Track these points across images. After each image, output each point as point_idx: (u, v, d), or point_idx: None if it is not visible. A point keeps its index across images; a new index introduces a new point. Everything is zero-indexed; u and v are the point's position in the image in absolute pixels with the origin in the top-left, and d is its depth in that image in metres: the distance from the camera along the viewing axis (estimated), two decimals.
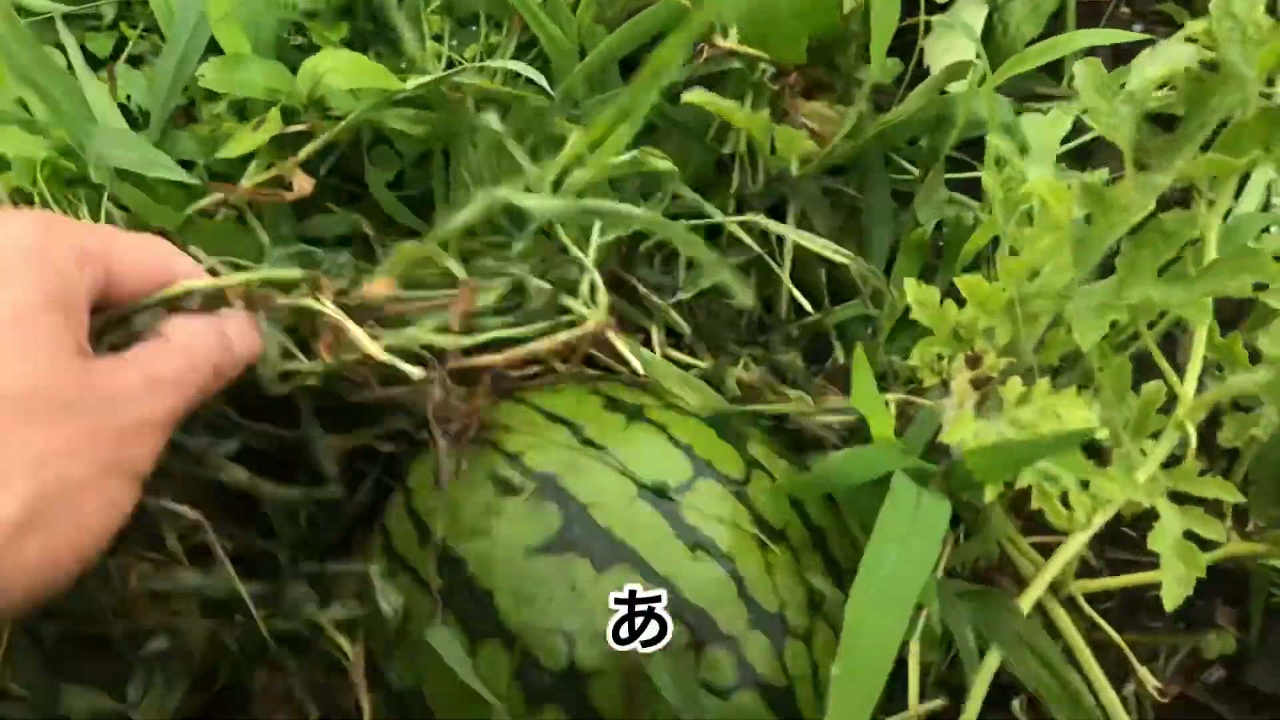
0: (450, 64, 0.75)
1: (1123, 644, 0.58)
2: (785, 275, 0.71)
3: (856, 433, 0.61)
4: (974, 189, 0.73)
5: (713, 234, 0.74)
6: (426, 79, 0.65)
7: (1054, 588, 0.59)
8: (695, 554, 0.49)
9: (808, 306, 0.70)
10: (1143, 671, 0.59)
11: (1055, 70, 0.84)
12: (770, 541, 0.50)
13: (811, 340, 0.72)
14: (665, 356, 0.64)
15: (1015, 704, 0.65)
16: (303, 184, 0.65)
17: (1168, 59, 0.52)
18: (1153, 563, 0.68)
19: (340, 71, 0.64)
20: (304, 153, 0.66)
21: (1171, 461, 0.52)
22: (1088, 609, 0.59)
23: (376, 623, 0.53)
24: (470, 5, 0.79)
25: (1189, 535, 0.50)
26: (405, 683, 0.52)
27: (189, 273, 0.48)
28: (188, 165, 0.73)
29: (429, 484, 0.54)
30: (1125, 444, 0.52)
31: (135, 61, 0.83)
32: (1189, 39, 0.52)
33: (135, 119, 0.79)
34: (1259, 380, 0.48)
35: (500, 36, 0.77)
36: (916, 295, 0.53)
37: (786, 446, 0.60)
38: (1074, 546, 0.49)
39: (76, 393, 0.40)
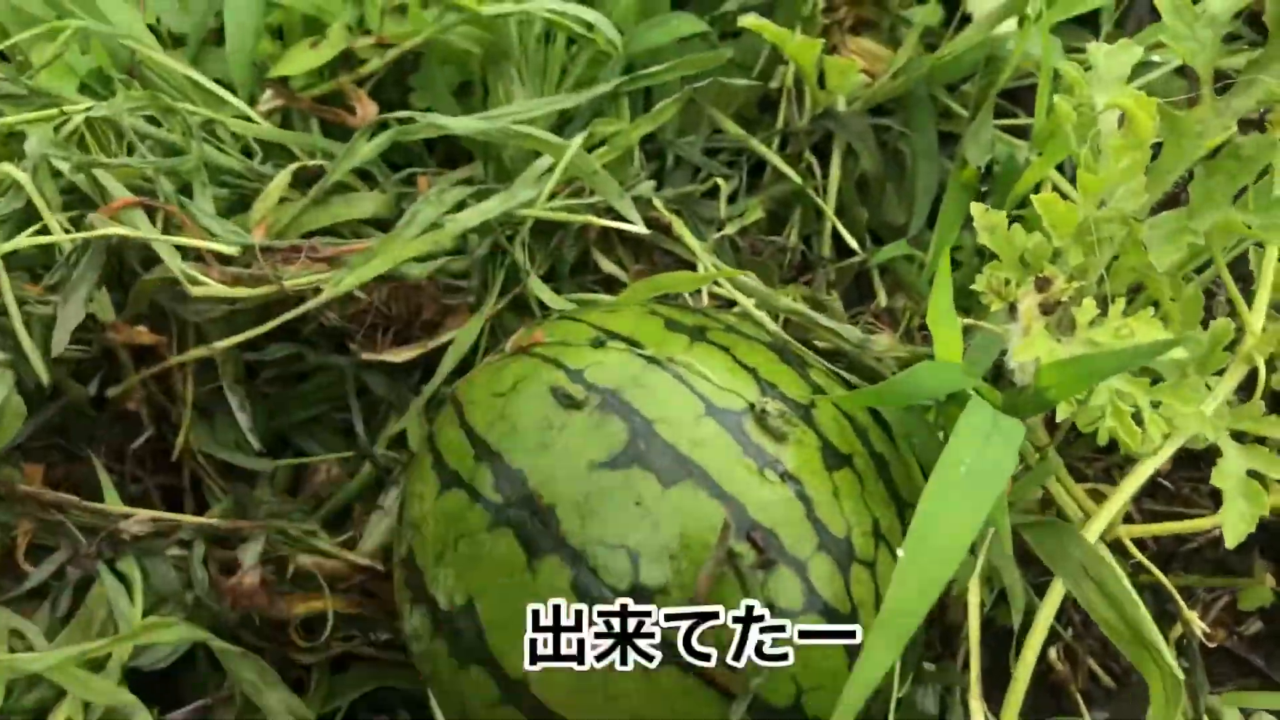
0: None
1: (1171, 587, 0.58)
2: (830, 211, 0.70)
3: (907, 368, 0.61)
4: (1017, 136, 0.73)
5: (756, 171, 0.73)
6: (500, 8, 0.63)
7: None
8: (764, 474, 0.48)
9: (853, 244, 0.69)
10: (1190, 615, 0.58)
11: (1092, 24, 0.83)
12: (838, 465, 0.49)
13: (854, 281, 0.72)
14: (710, 295, 0.63)
15: (1053, 652, 0.65)
16: (366, 108, 0.63)
17: None
18: (1190, 514, 0.68)
19: None
20: (367, 69, 0.64)
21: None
22: (1136, 553, 0.58)
23: (419, 543, 0.52)
24: None
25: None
26: (456, 602, 0.51)
27: None
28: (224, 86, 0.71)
29: (484, 397, 0.53)
30: (1191, 377, 0.51)
31: None
32: None
33: (165, 41, 0.77)
34: None
35: None
36: (984, 220, 0.52)
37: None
38: (1143, 474, 0.49)
39: None
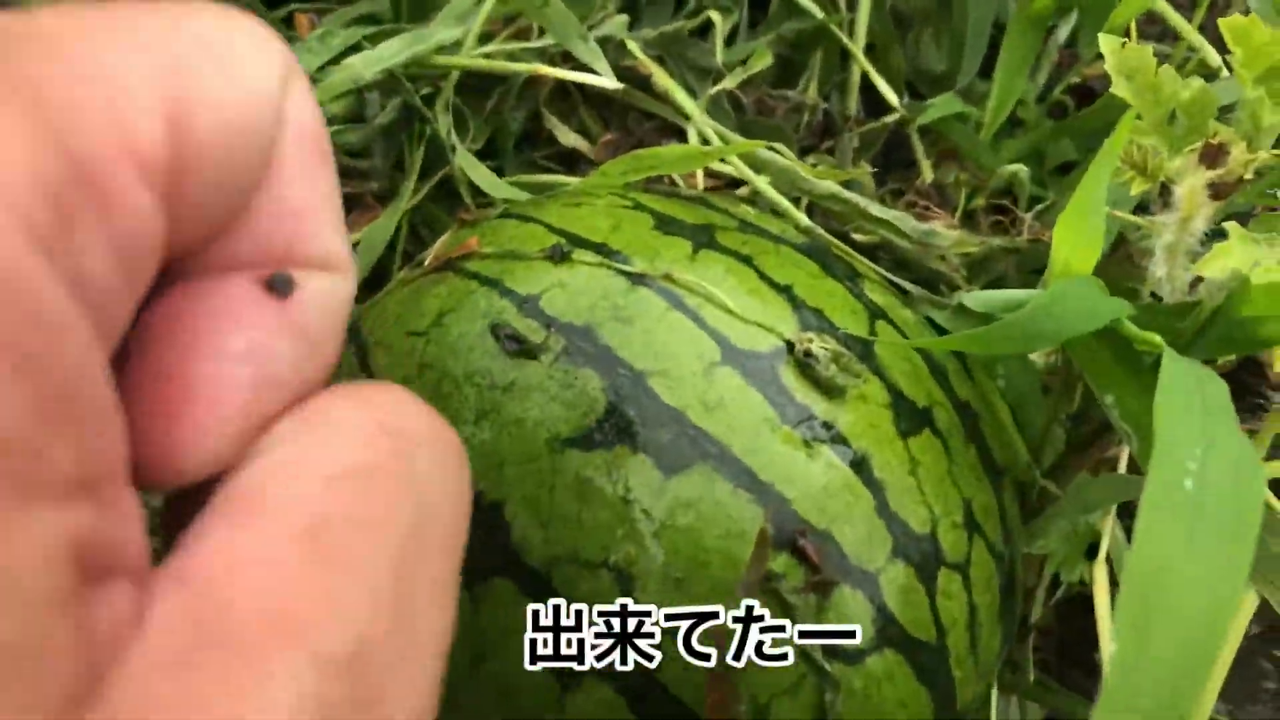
0: None
1: None
2: (859, 54, 0.53)
3: (980, 269, 0.45)
4: None
5: (759, 2, 0.56)
6: None
7: None
8: (811, 449, 0.32)
9: (891, 97, 0.52)
10: None
11: None
12: (914, 428, 0.34)
13: (883, 148, 0.55)
14: (710, 173, 0.46)
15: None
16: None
17: None
18: None
19: None
20: None
21: None
22: None
23: None
24: None
25: None
26: None
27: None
28: None
29: (396, 336, 0.36)
30: None
31: None
32: None
33: None
34: None
35: None
36: (1121, 59, 0.36)
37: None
38: None
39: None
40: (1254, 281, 0.29)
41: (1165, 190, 0.35)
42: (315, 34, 0.44)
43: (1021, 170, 0.48)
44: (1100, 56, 0.36)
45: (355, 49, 0.44)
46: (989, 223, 0.50)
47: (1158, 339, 0.29)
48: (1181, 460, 0.23)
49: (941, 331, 0.40)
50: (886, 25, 0.54)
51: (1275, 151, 0.34)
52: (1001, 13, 0.57)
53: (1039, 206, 0.48)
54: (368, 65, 0.43)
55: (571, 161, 0.50)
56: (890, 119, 0.53)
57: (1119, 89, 0.36)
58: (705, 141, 0.44)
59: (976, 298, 0.40)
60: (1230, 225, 0.31)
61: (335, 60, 0.44)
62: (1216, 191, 0.34)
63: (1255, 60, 0.33)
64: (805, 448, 0.32)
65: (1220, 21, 0.33)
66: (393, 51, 0.44)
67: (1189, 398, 0.26)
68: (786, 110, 0.52)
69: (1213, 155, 0.34)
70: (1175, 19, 0.52)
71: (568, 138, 0.50)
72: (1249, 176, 0.33)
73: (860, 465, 0.32)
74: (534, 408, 0.33)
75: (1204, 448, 0.23)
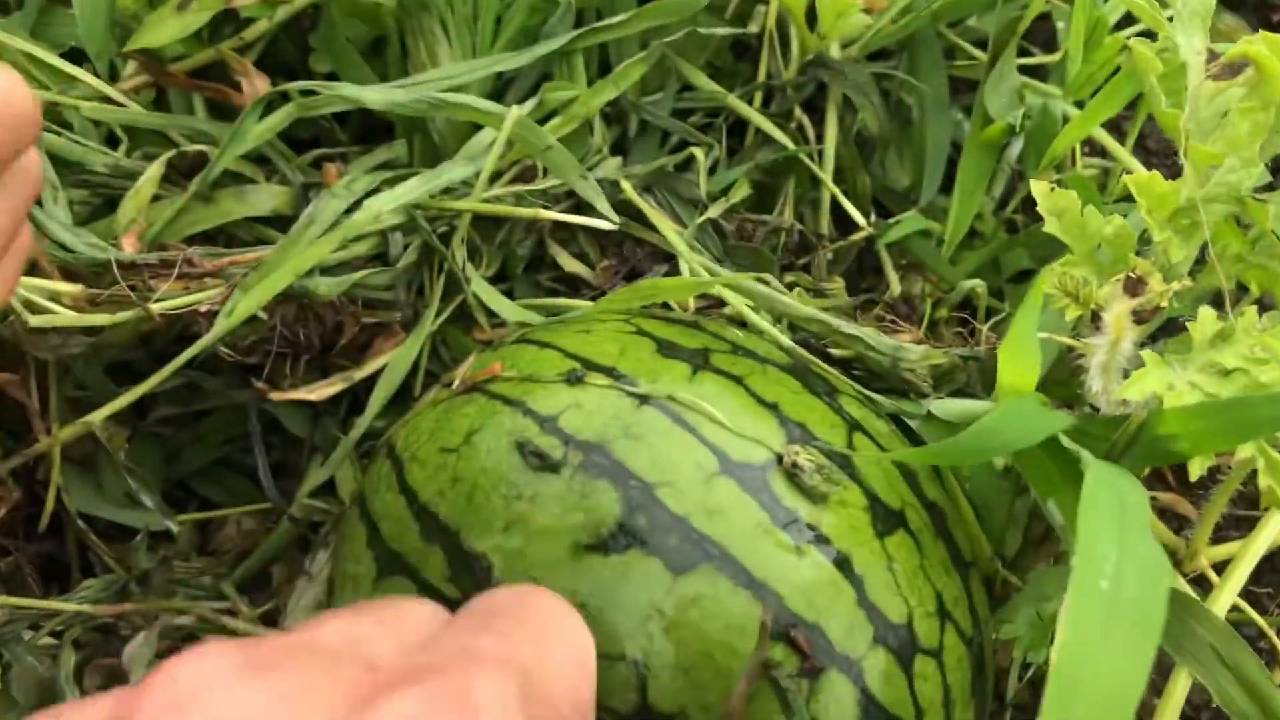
0: None
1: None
2: (828, 180, 0.59)
3: (946, 377, 0.50)
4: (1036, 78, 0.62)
5: (735, 132, 0.62)
6: None
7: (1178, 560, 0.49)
8: (801, 550, 0.37)
9: (858, 218, 0.58)
10: None
11: None
12: (889, 529, 0.39)
13: (857, 260, 0.61)
14: (705, 269, 0.52)
15: None
16: (254, 82, 0.50)
17: None
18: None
19: None
20: (254, 31, 0.51)
21: None
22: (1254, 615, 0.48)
23: None
24: None
25: None
26: None
27: None
28: (74, 57, 0.57)
29: (430, 453, 0.41)
30: None
31: None
32: None
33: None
34: None
35: None
36: (1050, 201, 0.41)
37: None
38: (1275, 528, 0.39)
39: None
40: (1167, 405, 0.35)
41: (1096, 316, 0.40)
42: (341, 182, 0.50)
43: (978, 285, 0.54)
44: None
45: (376, 192, 0.50)
46: (952, 332, 0.55)
47: (1085, 454, 0.34)
48: (1100, 561, 0.28)
49: (913, 435, 0.45)
50: (852, 150, 0.60)
51: (1187, 282, 0.40)
52: (958, 134, 0.63)
53: (996, 318, 0.53)
54: (387, 205, 0.48)
55: (575, 283, 0.56)
56: (858, 237, 0.58)
57: (1050, 227, 0.42)
58: (694, 271, 0.50)
59: (941, 407, 0.45)
60: (1146, 353, 0.37)
61: (358, 203, 0.49)
62: (1139, 317, 0.40)
63: (1160, 207, 0.39)
64: (794, 549, 0.37)
65: (1128, 179, 0.39)
66: (409, 190, 0.49)
67: (1109, 505, 0.31)
68: (766, 232, 0.58)
69: (1134, 286, 0.40)
70: (1111, 145, 0.59)
71: (570, 264, 0.55)
72: (1165, 304, 0.39)
73: (842, 563, 0.37)
74: (555, 518, 0.37)
75: (1119, 550, 0.28)
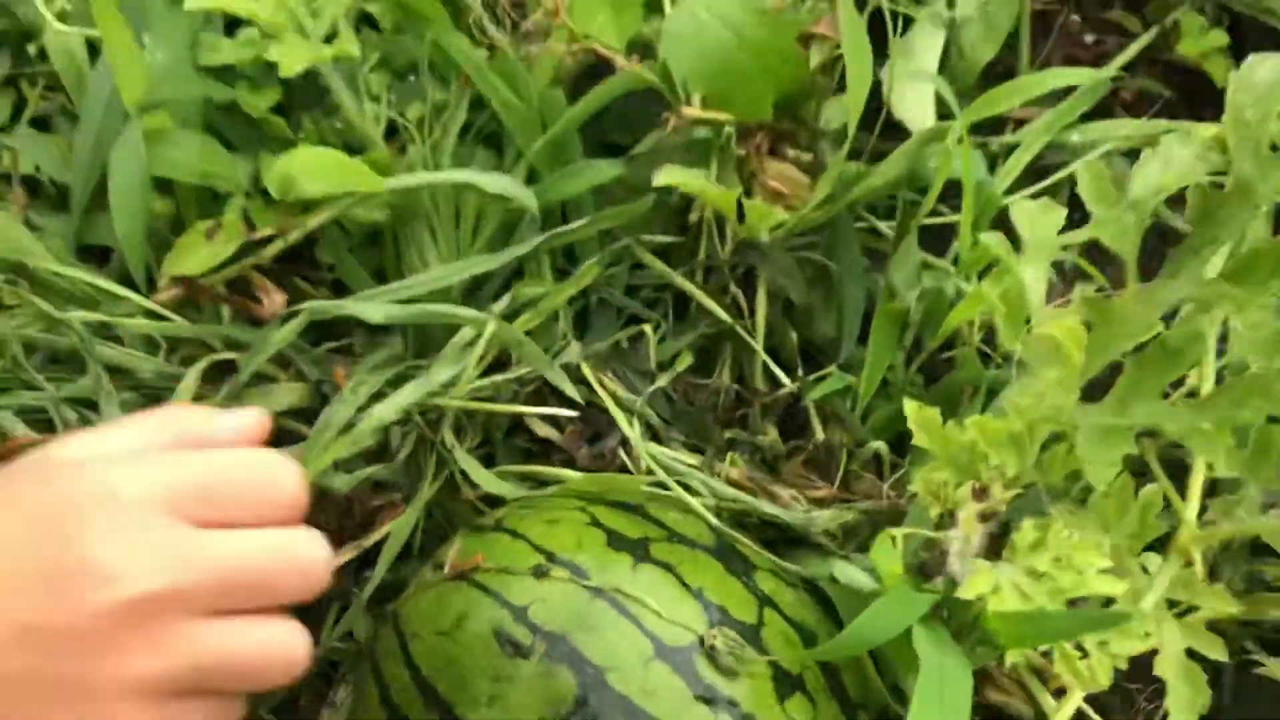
0: (392, 128, 0.71)
1: None
2: (760, 348, 0.69)
3: (852, 534, 0.61)
4: (947, 239, 0.73)
5: (680, 300, 0.72)
6: (406, 181, 0.61)
7: None
8: (718, 717, 0.48)
9: (784, 380, 0.69)
10: None
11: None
12: (789, 692, 0.49)
13: (789, 408, 0.71)
14: (649, 455, 0.62)
15: None
16: (273, 299, 0.61)
17: (1174, 166, 0.51)
18: None
19: (314, 173, 0.59)
20: (271, 253, 0.62)
21: None
22: None
23: None
24: (408, 53, 0.74)
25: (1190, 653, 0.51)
26: None
27: None
28: (105, 255, 0.68)
29: (430, 634, 0.52)
30: (1125, 559, 0.52)
31: (40, 124, 0.76)
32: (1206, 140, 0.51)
33: (48, 192, 0.73)
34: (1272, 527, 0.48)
35: (446, 93, 0.72)
36: (917, 418, 0.52)
37: (774, 541, 0.59)
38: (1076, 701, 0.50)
39: None
40: (990, 608, 0.45)
41: (951, 515, 0.51)
42: (349, 386, 0.60)
43: (882, 447, 0.65)
44: None
45: (380, 395, 0.60)
46: (865, 484, 0.66)
47: (922, 646, 0.45)
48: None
49: (823, 595, 0.56)
50: (780, 318, 0.70)
51: (1019, 491, 0.50)
52: (873, 291, 0.73)
53: (896, 475, 0.64)
54: (388, 412, 0.59)
55: (549, 447, 0.66)
56: (784, 393, 0.69)
57: (919, 440, 0.52)
58: (640, 452, 0.61)
59: (842, 572, 0.56)
60: (975, 561, 0.47)
61: (365, 406, 0.60)
62: (984, 517, 0.50)
63: (993, 439, 0.49)
64: (714, 717, 0.48)
65: (968, 422, 0.49)
66: (406, 395, 0.60)
67: (937, 684, 0.42)
68: (707, 394, 0.68)
69: (979, 494, 0.50)
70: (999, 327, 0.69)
71: (543, 430, 0.66)
72: (1003, 509, 0.50)
73: None
74: (527, 697, 0.48)
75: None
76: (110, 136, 0.68)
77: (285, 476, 0.49)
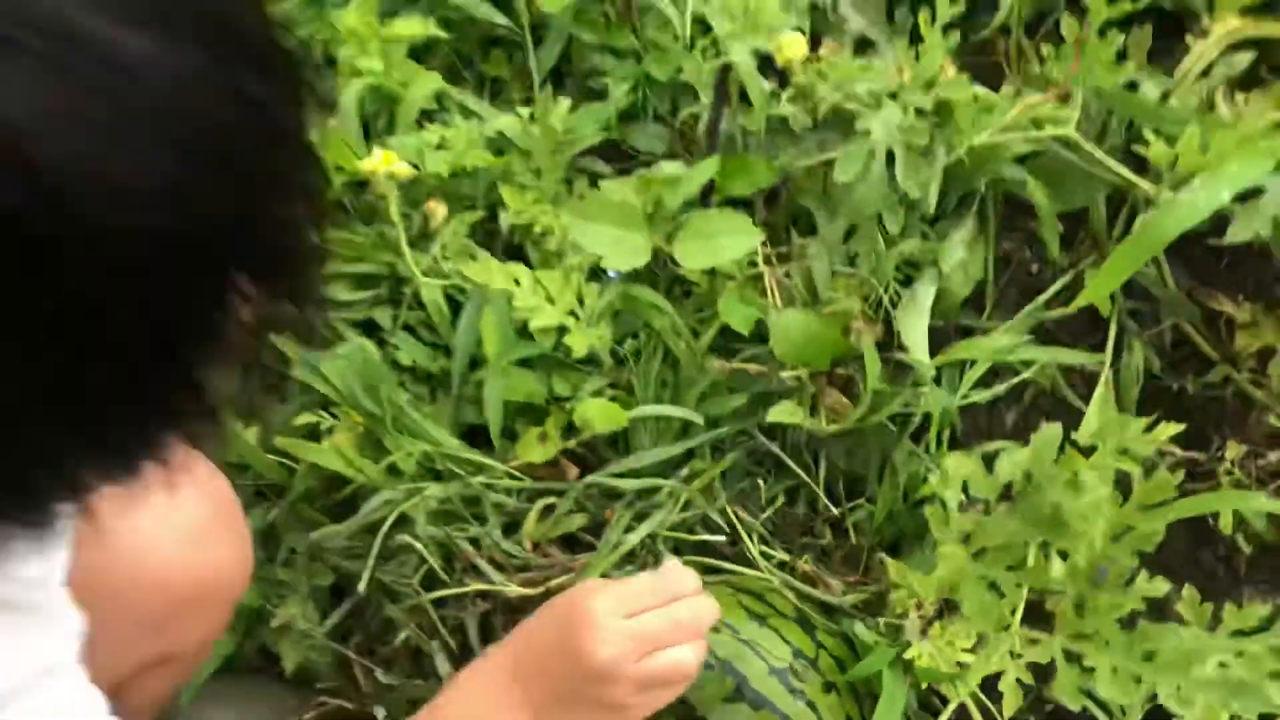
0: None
1: None
2: (820, 492, 1.28)
3: (869, 604, 1.21)
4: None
5: (778, 464, 1.31)
6: (641, 412, 1.20)
7: None
8: (796, 703, 1.08)
9: (830, 506, 1.28)
10: None
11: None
12: (830, 692, 1.10)
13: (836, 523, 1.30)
14: (763, 554, 1.22)
15: None
16: (569, 472, 1.21)
17: None
18: None
19: (600, 421, 1.18)
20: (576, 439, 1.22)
21: None
22: None
23: None
24: None
25: None
26: None
27: None
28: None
29: None
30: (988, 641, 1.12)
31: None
32: None
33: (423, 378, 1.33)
34: None
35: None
36: (895, 570, 1.12)
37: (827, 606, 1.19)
38: None
39: None
40: (917, 663, 1.05)
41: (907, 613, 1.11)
42: (614, 520, 1.21)
43: (885, 556, 1.24)
44: None
45: (629, 528, 1.21)
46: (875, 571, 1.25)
47: (887, 675, 1.05)
48: None
49: (849, 640, 1.16)
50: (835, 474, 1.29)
51: (936, 604, 1.10)
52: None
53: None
54: (635, 536, 1.19)
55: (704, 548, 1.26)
56: (834, 513, 1.28)
57: (895, 578, 1.11)
58: None
59: (858, 632, 1.16)
60: (917, 638, 1.07)
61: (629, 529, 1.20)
62: (920, 616, 1.10)
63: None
64: (795, 703, 1.08)
65: None
66: (644, 529, 1.20)
67: (892, 695, 1.02)
68: (794, 515, 1.28)
69: (919, 606, 1.10)
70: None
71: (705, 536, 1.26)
72: (930, 611, 1.09)
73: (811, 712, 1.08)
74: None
75: None
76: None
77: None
